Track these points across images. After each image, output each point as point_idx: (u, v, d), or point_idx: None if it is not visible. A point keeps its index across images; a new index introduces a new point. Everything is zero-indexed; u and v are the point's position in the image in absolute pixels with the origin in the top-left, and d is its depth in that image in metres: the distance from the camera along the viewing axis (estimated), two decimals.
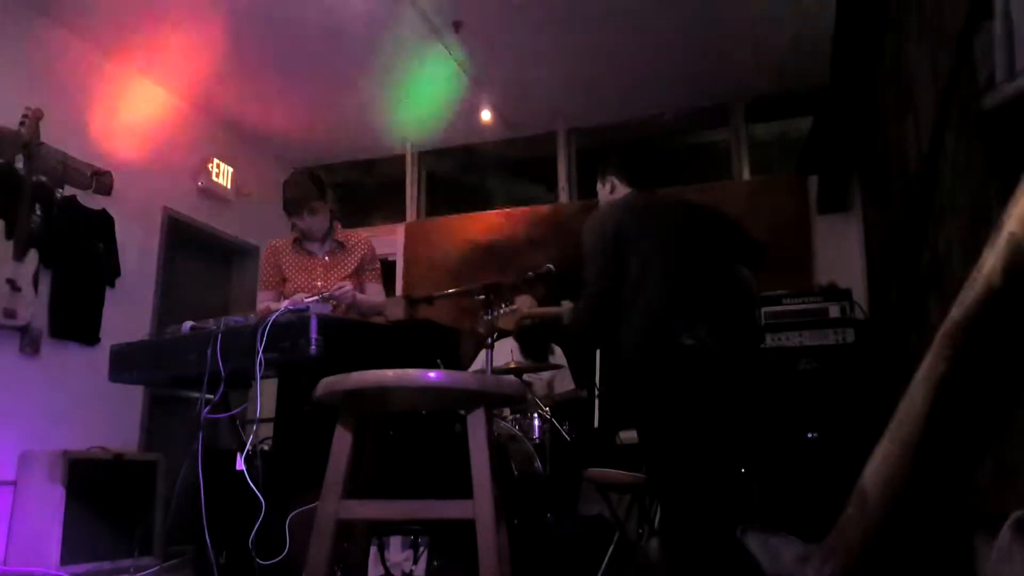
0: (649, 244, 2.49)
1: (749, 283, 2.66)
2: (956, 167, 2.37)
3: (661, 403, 2.38)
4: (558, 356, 4.37)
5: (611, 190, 2.84)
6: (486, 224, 5.75)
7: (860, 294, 4.02)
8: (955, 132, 2.37)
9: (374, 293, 3.21)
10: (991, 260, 0.61)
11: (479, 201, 6.09)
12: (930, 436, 0.61)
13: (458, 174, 6.37)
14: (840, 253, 4.73)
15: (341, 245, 3.21)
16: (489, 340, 3.20)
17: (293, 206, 3.11)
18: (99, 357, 3.37)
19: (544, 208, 5.70)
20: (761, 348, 3.52)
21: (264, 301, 3.10)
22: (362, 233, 3.41)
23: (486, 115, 5.39)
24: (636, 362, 2.46)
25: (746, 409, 2.64)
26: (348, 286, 2.99)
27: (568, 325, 2.75)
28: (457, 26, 4.40)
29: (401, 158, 6.24)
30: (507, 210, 5.82)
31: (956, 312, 0.62)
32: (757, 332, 2.90)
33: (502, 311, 3.15)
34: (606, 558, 2.48)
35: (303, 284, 3.12)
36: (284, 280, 3.19)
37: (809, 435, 3.36)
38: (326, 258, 3.19)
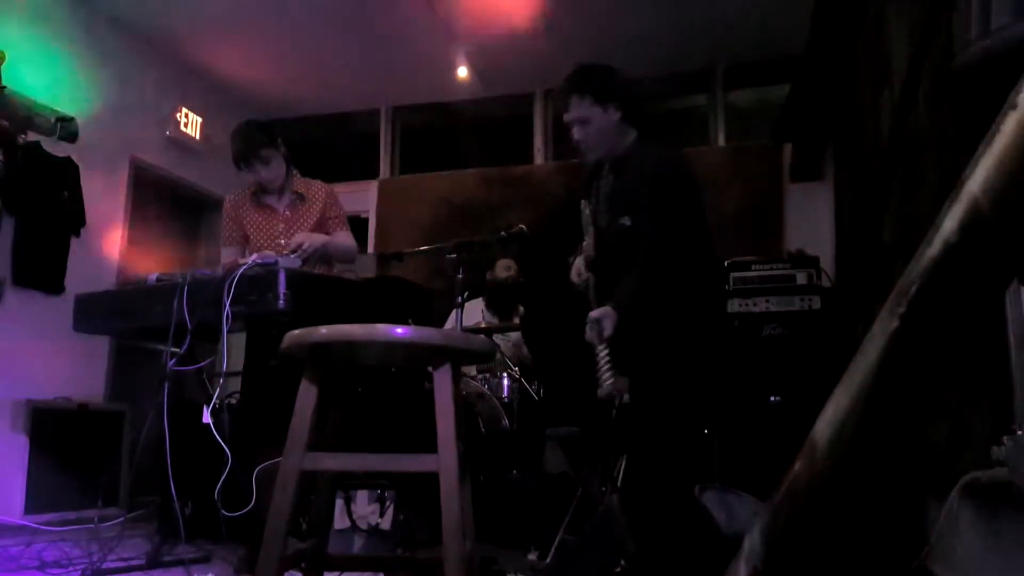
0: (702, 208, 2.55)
1: None
2: (927, 139, 2.39)
3: (703, 369, 2.46)
4: None
5: (612, 120, 2.53)
6: (460, 183, 5.70)
7: (828, 262, 4.07)
8: (927, 103, 2.39)
9: (343, 240, 3.18)
10: (949, 218, 0.62)
11: (454, 159, 6.03)
12: (881, 388, 0.62)
13: (433, 131, 6.29)
14: (811, 221, 4.77)
15: (301, 197, 3.14)
16: (459, 299, 3.20)
17: (243, 158, 3.01)
18: (64, 306, 3.30)
19: (519, 169, 5.67)
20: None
21: (229, 257, 3.06)
22: (336, 187, 3.34)
23: (463, 72, 5.30)
24: (688, 327, 2.40)
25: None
26: (308, 241, 2.94)
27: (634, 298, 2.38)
28: None
29: (376, 113, 6.13)
30: (482, 170, 5.77)
31: (912, 269, 0.63)
32: None
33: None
34: (568, 514, 2.52)
35: (266, 243, 3.07)
36: (247, 238, 3.14)
37: (771, 399, 3.43)
38: (287, 212, 3.12)
